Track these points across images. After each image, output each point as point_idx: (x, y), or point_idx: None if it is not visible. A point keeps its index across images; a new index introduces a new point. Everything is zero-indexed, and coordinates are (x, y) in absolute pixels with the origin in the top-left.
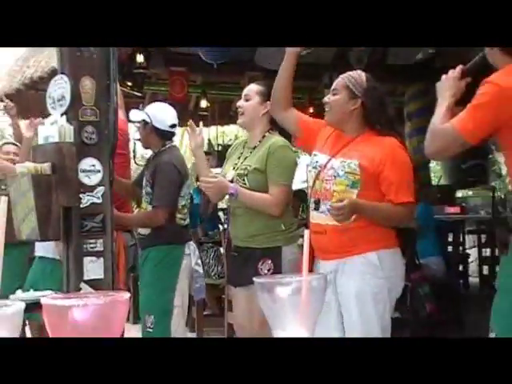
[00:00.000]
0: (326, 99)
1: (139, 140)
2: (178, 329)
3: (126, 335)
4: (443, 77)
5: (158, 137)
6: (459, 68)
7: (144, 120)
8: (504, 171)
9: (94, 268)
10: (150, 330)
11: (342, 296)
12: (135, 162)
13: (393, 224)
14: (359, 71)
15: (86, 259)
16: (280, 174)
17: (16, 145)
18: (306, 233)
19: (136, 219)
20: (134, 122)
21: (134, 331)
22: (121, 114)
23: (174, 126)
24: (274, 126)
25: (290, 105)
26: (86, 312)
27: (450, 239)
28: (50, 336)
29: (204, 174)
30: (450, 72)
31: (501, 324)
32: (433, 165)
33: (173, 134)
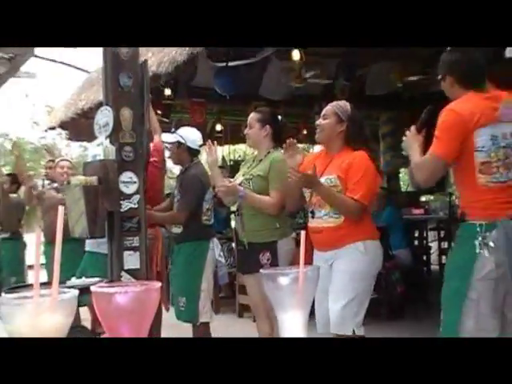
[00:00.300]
0: (317, 122)
1: (170, 158)
2: (205, 308)
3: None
4: (404, 138)
5: (190, 155)
6: (413, 128)
7: (178, 141)
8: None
9: (131, 260)
10: (182, 309)
11: (335, 273)
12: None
13: (342, 212)
14: (344, 101)
15: (126, 253)
16: (278, 182)
17: (70, 161)
18: (303, 233)
19: (164, 217)
20: (167, 143)
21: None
22: (157, 137)
23: (201, 145)
24: (277, 143)
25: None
26: (126, 298)
27: (416, 235)
28: (98, 316)
29: (219, 184)
30: (408, 132)
31: (444, 306)
32: (402, 175)
33: (199, 151)
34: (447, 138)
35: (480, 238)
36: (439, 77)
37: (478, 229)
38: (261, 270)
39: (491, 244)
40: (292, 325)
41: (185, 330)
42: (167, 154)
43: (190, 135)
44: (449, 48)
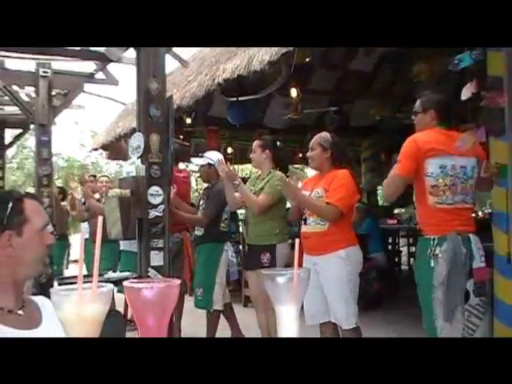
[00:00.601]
0: (308, 155)
1: (200, 176)
2: (218, 298)
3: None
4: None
5: (216, 173)
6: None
7: (209, 162)
8: None
9: (157, 258)
10: (200, 298)
11: (324, 280)
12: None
13: (321, 216)
14: (325, 132)
15: (152, 252)
16: (270, 189)
17: (108, 177)
18: (297, 241)
19: (191, 219)
20: (199, 165)
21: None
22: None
23: None
24: (277, 165)
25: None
26: (152, 292)
27: (390, 241)
28: (129, 305)
29: (231, 196)
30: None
31: (421, 307)
32: (379, 191)
33: None
34: (405, 161)
35: (431, 251)
36: (420, 109)
37: (431, 242)
38: (262, 271)
39: (440, 255)
40: (287, 316)
41: (200, 316)
42: (197, 174)
43: (216, 156)
44: (429, 90)
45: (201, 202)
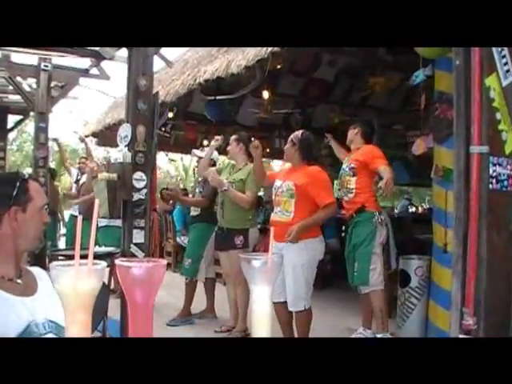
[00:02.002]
0: (284, 148)
1: (197, 166)
2: (202, 270)
3: (168, 278)
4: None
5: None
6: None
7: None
8: None
9: (138, 236)
10: (187, 267)
11: (287, 267)
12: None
13: (327, 218)
14: (301, 130)
15: (135, 230)
16: (252, 184)
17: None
18: (272, 229)
19: (192, 201)
20: (198, 156)
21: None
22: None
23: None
24: (251, 157)
25: (265, 175)
26: (141, 270)
27: (343, 228)
28: (120, 282)
29: (211, 173)
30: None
31: (358, 260)
32: (336, 185)
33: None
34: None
35: (376, 219)
36: (355, 128)
37: (375, 214)
38: (240, 254)
39: (384, 222)
40: (261, 295)
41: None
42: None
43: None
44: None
45: (198, 190)
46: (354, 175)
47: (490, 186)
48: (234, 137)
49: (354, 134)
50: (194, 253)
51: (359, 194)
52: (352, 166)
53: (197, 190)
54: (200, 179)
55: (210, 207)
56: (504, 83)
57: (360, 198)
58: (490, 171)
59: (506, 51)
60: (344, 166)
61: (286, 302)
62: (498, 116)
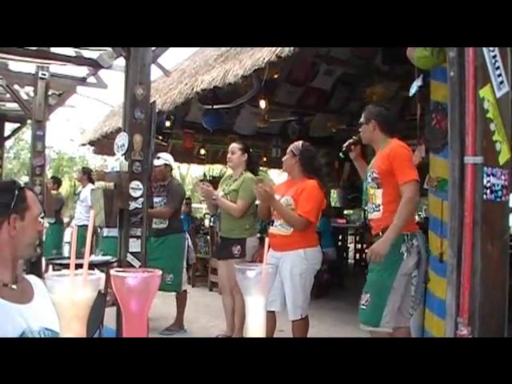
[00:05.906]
0: (283, 159)
1: (155, 175)
2: (183, 280)
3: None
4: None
5: (170, 172)
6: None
7: (165, 163)
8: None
9: (135, 245)
10: (170, 283)
11: (282, 275)
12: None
13: (290, 224)
14: (300, 141)
15: (131, 239)
16: (244, 194)
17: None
18: (267, 240)
19: (155, 212)
20: (156, 166)
21: None
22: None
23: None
24: (248, 168)
25: (269, 215)
26: (136, 280)
27: (340, 238)
28: (115, 292)
29: (210, 204)
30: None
31: (372, 291)
32: (333, 194)
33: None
34: (412, 166)
35: (406, 244)
36: (362, 120)
37: (405, 237)
38: (234, 265)
39: (415, 248)
40: (255, 305)
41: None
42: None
43: (170, 158)
44: (370, 105)
45: (157, 199)
46: (378, 187)
47: (484, 196)
48: (236, 144)
49: (370, 131)
50: (175, 266)
51: (387, 210)
52: (375, 175)
53: (157, 200)
54: (157, 189)
55: (176, 216)
56: (498, 94)
57: (389, 215)
58: (484, 182)
59: (499, 62)
60: (368, 175)
61: (274, 311)
62: (492, 127)
